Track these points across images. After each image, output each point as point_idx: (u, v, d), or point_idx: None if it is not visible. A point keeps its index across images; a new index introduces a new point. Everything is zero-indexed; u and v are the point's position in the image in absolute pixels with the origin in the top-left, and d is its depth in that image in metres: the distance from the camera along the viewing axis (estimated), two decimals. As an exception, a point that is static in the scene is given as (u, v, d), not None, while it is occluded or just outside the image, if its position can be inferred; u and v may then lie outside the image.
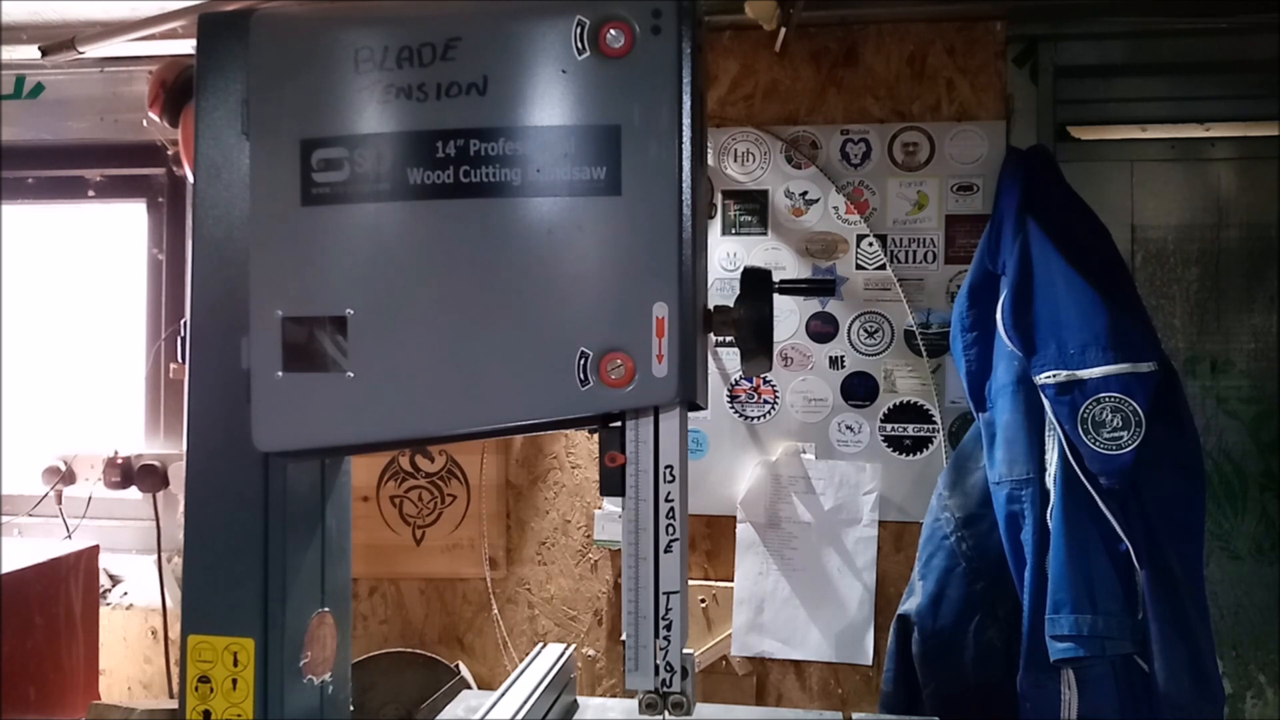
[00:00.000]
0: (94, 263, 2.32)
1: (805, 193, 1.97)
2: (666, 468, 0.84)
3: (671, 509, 0.84)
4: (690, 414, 0.88)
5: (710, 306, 0.93)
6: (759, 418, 1.98)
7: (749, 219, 1.99)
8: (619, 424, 0.85)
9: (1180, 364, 1.98)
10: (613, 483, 0.85)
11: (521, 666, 1.31)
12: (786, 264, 1.97)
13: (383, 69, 0.85)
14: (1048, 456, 1.64)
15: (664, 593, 0.84)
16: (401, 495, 2.10)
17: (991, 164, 1.91)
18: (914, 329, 1.93)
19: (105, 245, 2.32)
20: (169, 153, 2.22)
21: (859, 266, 1.96)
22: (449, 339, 0.84)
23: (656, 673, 0.84)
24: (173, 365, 2.18)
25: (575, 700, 1.36)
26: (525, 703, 1.19)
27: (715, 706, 1.48)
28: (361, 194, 0.86)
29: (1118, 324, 1.56)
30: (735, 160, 1.99)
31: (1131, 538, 1.56)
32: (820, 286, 1.07)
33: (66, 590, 2.00)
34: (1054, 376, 1.57)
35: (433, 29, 0.85)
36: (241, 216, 0.91)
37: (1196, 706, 1.54)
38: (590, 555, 2.05)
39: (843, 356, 1.96)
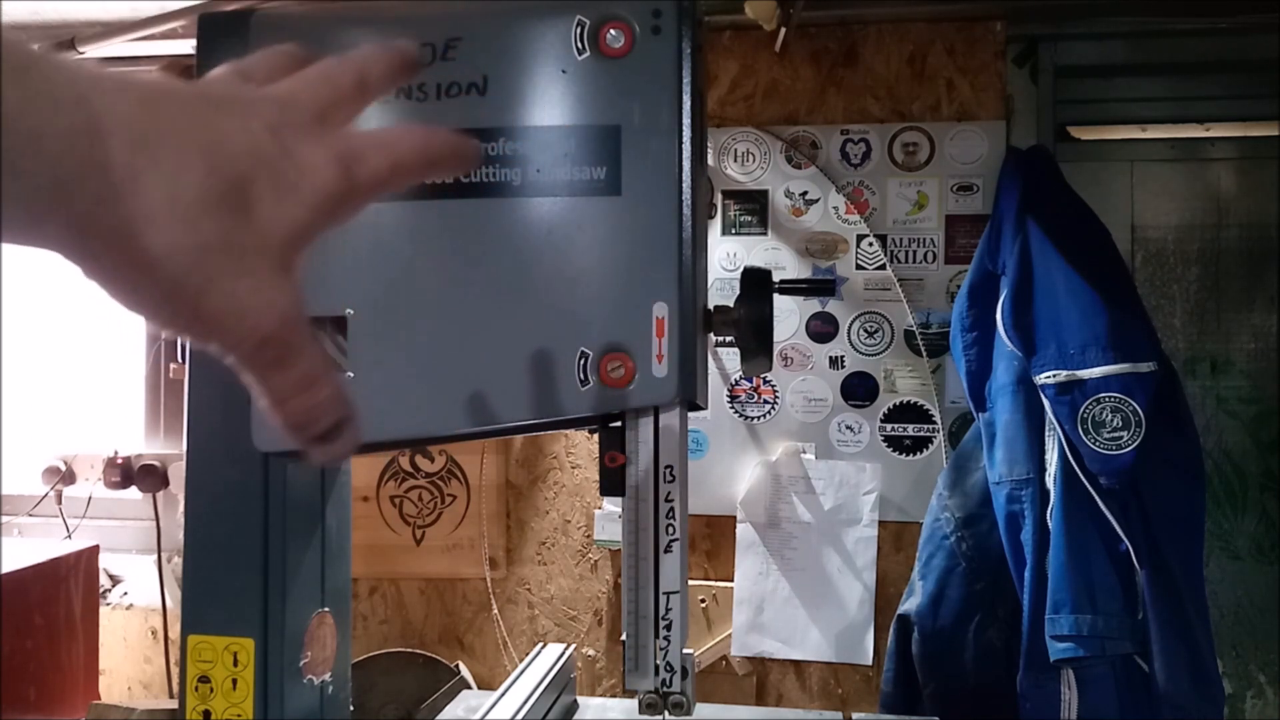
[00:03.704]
0: (94, 263, 2.31)
1: (805, 193, 1.97)
2: (666, 468, 0.84)
3: (671, 509, 0.84)
4: (690, 414, 0.88)
5: (710, 306, 0.93)
6: (759, 418, 1.99)
7: (749, 219, 1.99)
8: (619, 424, 0.85)
9: (1180, 364, 1.98)
10: (613, 483, 0.85)
11: (521, 666, 1.31)
12: (786, 264, 1.97)
13: (383, 69, 0.85)
14: (1048, 456, 1.64)
15: (664, 593, 0.84)
16: (401, 495, 2.10)
17: (991, 164, 1.91)
18: (914, 329, 1.93)
19: (105, 245, 2.32)
20: (169, 153, 2.21)
21: (859, 266, 1.96)
22: (449, 339, 0.84)
23: (656, 673, 0.84)
24: (173, 365, 2.18)
25: (575, 700, 1.36)
26: (525, 703, 1.19)
27: (715, 706, 1.48)
28: (361, 194, 0.86)
29: (1118, 324, 1.56)
30: (735, 160, 1.99)
31: (1131, 538, 1.56)
32: (820, 286, 1.07)
33: (66, 590, 2.00)
34: (1054, 376, 1.57)
35: (433, 29, 0.85)
36: (241, 216, 0.91)
37: (1196, 706, 1.55)
38: (590, 555, 2.05)
39: (843, 356, 1.96)
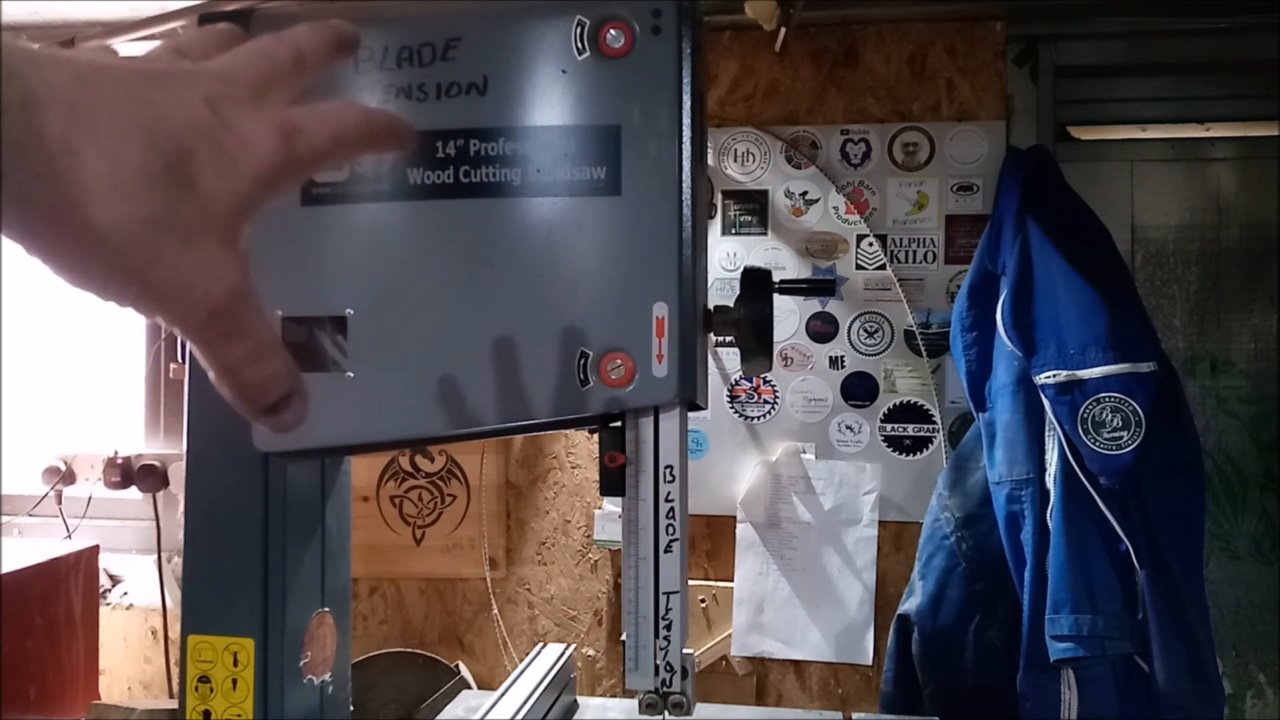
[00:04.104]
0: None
1: (805, 193, 1.97)
2: (666, 468, 0.84)
3: (671, 509, 0.84)
4: (690, 414, 0.88)
5: (710, 306, 0.93)
6: (759, 418, 1.99)
7: (749, 219, 1.99)
8: (619, 424, 0.85)
9: (1180, 364, 1.98)
10: (613, 483, 0.85)
11: (521, 666, 1.31)
12: (786, 264, 1.97)
13: (383, 69, 0.85)
14: (1048, 456, 1.64)
15: (664, 593, 0.84)
16: (401, 495, 2.10)
17: (991, 164, 1.91)
18: (914, 329, 1.93)
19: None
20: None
21: (859, 266, 1.96)
22: (449, 339, 0.84)
23: (656, 673, 0.84)
24: (173, 365, 2.18)
25: (575, 700, 1.36)
26: (525, 703, 1.19)
27: (715, 706, 1.48)
28: (361, 194, 0.86)
29: (1118, 324, 1.56)
30: (735, 160, 1.99)
31: (1131, 538, 1.56)
32: (820, 286, 1.07)
33: (66, 590, 2.00)
34: (1054, 376, 1.57)
35: (433, 29, 0.85)
36: (241, 216, 0.90)
37: (1196, 706, 1.55)
38: (590, 555, 2.05)
39: (843, 356, 1.96)
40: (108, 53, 0.42)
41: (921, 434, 1.94)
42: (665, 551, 0.84)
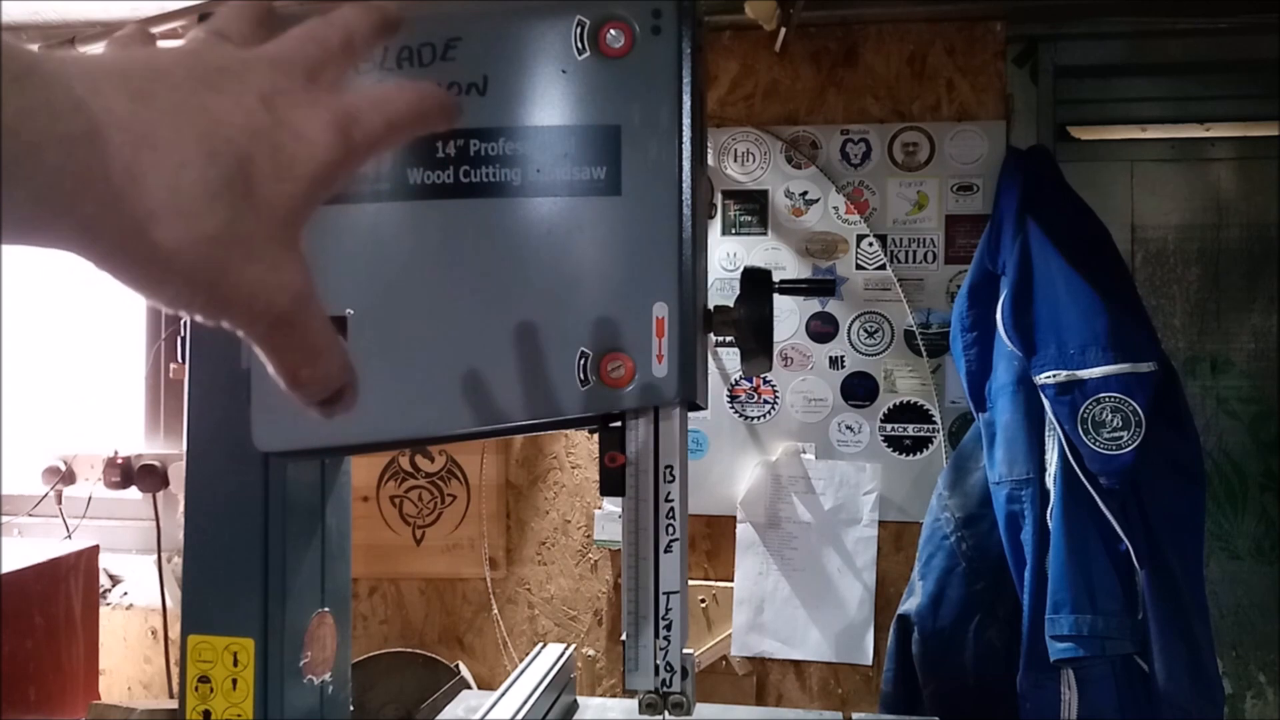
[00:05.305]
0: (94, 263, 2.31)
1: (805, 193, 1.97)
2: (666, 468, 0.84)
3: (671, 509, 0.84)
4: (690, 414, 0.88)
5: (710, 306, 0.93)
6: (759, 418, 1.99)
7: (749, 219, 1.99)
8: (619, 424, 0.85)
9: (1180, 364, 1.98)
10: (613, 483, 0.85)
11: (521, 666, 1.31)
12: (786, 264, 1.97)
13: (383, 69, 0.85)
14: (1048, 456, 1.64)
15: (664, 593, 0.84)
16: (401, 495, 2.10)
17: (991, 164, 1.91)
18: (914, 329, 1.93)
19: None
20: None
21: (859, 266, 1.96)
22: (449, 339, 0.84)
23: (656, 673, 0.84)
24: (173, 365, 2.18)
25: (575, 700, 1.36)
26: (525, 703, 1.19)
27: (715, 706, 1.48)
28: (361, 194, 0.86)
29: (1118, 324, 1.56)
30: (735, 160, 1.99)
31: (1131, 538, 1.56)
32: (820, 286, 1.07)
33: (66, 590, 2.00)
34: (1054, 376, 1.57)
35: (433, 29, 0.85)
36: (241, 216, 0.90)
37: (1196, 706, 1.55)
38: (590, 555, 2.05)
39: (843, 356, 1.96)
40: (150, 44, 0.42)
41: (921, 434, 1.94)
42: (665, 551, 0.84)
